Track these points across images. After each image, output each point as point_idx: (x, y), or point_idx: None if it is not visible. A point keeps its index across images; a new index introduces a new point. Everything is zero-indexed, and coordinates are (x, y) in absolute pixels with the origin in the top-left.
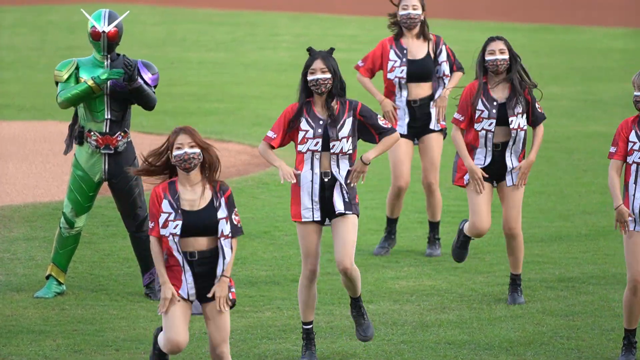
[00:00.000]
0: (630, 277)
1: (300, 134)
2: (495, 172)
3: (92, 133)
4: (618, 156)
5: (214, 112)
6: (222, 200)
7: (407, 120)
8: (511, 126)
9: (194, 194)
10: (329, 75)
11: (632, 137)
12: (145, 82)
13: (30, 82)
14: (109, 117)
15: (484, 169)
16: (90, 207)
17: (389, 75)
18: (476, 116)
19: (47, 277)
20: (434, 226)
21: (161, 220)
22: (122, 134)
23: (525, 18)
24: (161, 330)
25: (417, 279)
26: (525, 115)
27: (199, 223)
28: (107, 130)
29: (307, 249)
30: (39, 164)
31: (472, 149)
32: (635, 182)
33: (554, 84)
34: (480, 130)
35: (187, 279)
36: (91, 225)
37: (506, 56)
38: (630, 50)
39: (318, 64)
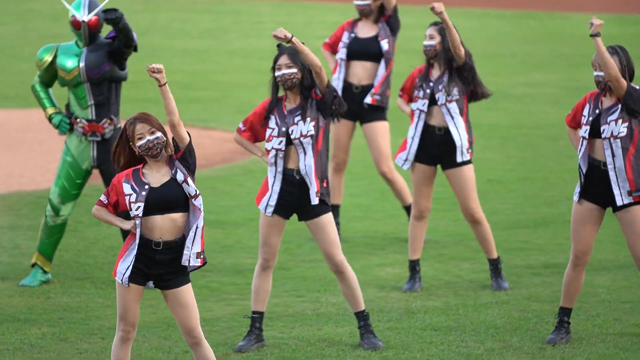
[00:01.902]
0: (573, 252)
1: (268, 132)
2: (440, 155)
3: (78, 120)
4: (569, 121)
5: (199, 100)
6: (177, 164)
7: None
8: (439, 102)
9: (159, 174)
10: (294, 70)
11: (585, 111)
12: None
13: (14, 71)
14: (93, 102)
15: (427, 151)
16: (77, 195)
17: (336, 56)
18: (414, 96)
19: (33, 266)
20: (408, 210)
21: (126, 201)
22: (109, 120)
23: (509, 4)
24: None
25: (402, 266)
26: (453, 87)
27: (161, 197)
28: (93, 117)
29: (263, 238)
30: (24, 153)
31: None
32: (584, 154)
33: (538, 71)
34: (415, 110)
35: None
36: (77, 214)
37: (434, 42)
38: (614, 36)
39: (283, 59)
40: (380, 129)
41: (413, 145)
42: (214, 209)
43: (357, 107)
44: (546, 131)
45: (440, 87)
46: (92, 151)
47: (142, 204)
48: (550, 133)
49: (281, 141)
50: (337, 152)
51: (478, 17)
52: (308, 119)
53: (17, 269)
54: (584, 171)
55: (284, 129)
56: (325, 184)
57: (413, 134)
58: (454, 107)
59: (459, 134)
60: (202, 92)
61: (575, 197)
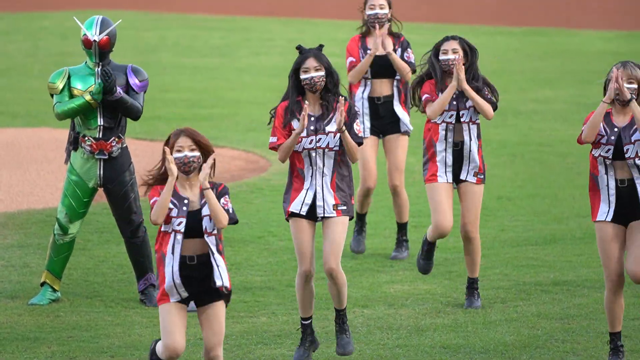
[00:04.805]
0: (607, 276)
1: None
2: (456, 171)
3: (86, 138)
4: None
5: (208, 118)
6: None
7: (368, 121)
8: (462, 119)
9: (193, 195)
10: (322, 73)
11: (600, 130)
12: (131, 87)
13: (24, 89)
14: (102, 123)
15: (446, 167)
16: (85, 213)
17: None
18: None
19: (42, 284)
20: (401, 227)
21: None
22: (117, 139)
23: (518, 21)
24: (158, 341)
25: (412, 283)
26: (474, 108)
27: (193, 224)
28: (101, 136)
29: (299, 248)
30: (33, 171)
31: (432, 145)
32: (607, 173)
33: (547, 88)
34: (440, 123)
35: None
36: (85, 232)
37: (458, 56)
38: (623, 53)
39: (311, 62)
40: (402, 142)
41: (448, 157)
42: None
43: (380, 121)
44: (555, 148)
45: (467, 104)
46: (98, 170)
47: (183, 220)
48: (559, 150)
49: (312, 140)
50: (369, 175)
51: (487, 34)
52: (338, 135)
53: (27, 287)
54: (613, 192)
55: (312, 128)
56: (353, 201)
57: (444, 148)
58: (475, 129)
59: (476, 157)
60: (212, 109)
61: (601, 218)
